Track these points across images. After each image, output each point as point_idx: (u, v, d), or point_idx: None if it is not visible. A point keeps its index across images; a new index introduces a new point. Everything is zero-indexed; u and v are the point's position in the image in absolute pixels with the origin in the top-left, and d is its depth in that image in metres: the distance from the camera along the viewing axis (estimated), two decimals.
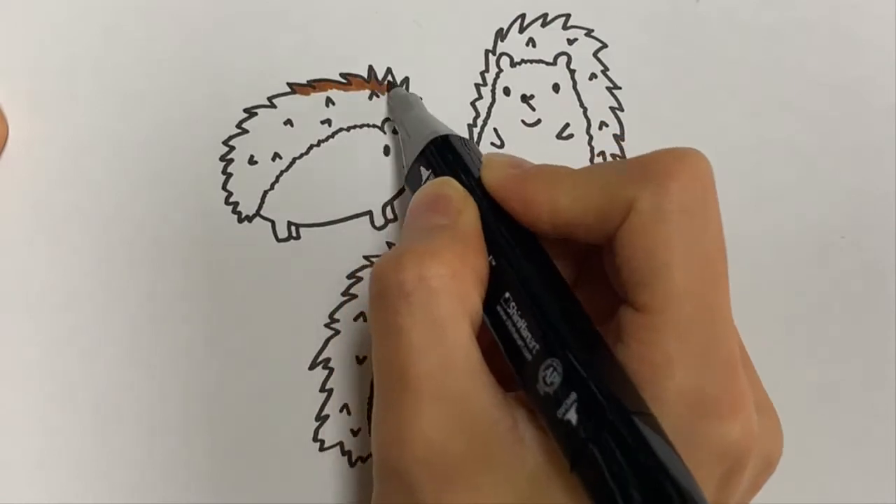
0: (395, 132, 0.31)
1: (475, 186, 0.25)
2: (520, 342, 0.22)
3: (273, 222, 0.30)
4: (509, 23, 0.32)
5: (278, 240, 0.30)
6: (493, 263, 0.24)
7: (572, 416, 0.19)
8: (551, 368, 0.20)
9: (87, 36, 0.30)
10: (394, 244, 0.31)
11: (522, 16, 0.32)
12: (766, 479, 0.24)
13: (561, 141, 0.32)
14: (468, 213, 0.24)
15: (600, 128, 0.32)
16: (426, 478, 0.21)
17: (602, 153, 0.32)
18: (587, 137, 0.32)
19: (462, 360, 0.22)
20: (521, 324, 0.22)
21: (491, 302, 0.23)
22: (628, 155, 0.32)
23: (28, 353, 0.29)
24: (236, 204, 0.30)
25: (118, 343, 0.29)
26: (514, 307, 0.22)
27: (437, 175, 0.26)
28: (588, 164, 0.32)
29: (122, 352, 0.29)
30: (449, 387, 0.21)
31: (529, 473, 0.21)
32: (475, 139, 0.31)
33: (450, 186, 0.25)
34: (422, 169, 0.27)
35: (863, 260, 0.33)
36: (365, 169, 0.31)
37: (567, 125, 0.32)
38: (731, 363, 0.22)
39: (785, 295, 0.33)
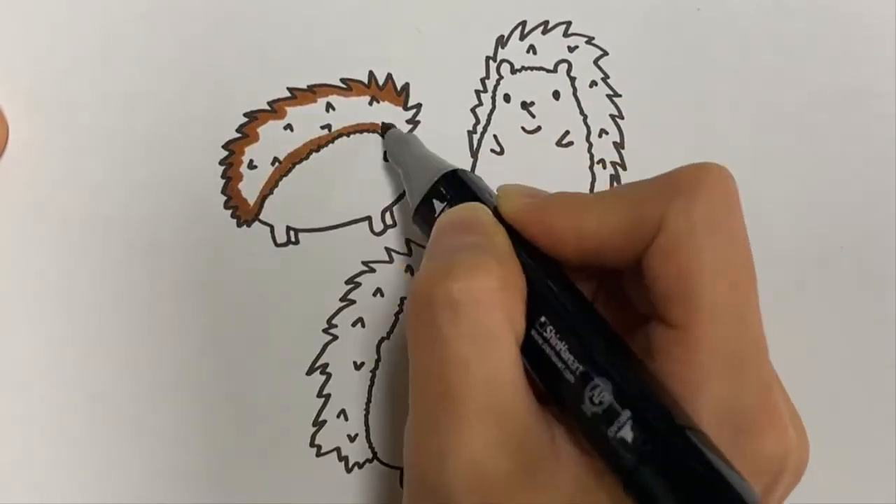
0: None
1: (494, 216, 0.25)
2: (560, 364, 0.21)
3: (272, 227, 0.30)
4: (510, 30, 0.32)
5: (277, 244, 0.30)
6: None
7: (627, 434, 0.19)
8: (598, 388, 0.20)
9: (88, 38, 0.30)
10: (393, 249, 0.31)
11: (523, 23, 0.32)
12: (793, 489, 0.24)
13: (560, 148, 0.32)
14: (501, 234, 0.24)
15: (600, 135, 0.32)
16: (468, 496, 0.20)
17: (602, 161, 0.32)
18: (587, 145, 0.32)
19: (509, 374, 0.21)
20: (561, 346, 0.21)
21: (526, 326, 0.23)
22: (627, 162, 0.32)
23: (26, 354, 0.29)
24: (235, 208, 0.30)
25: (116, 345, 0.29)
26: (551, 331, 0.22)
27: (452, 206, 0.26)
28: (587, 170, 0.32)
29: (120, 354, 0.29)
30: (495, 402, 0.21)
31: (570, 491, 0.21)
32: (475, 146, 0.31)
33: (479, 210, 0.25)
34: (435, 202, 0.27)
35: (862, 270, 0.33)
36: (364, 174, 0.31)
37: (567, 132, 0.32)
38: (765, 378, 0.22)
39: (784, 305, 0.33)
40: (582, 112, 0.32)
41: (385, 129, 0.30)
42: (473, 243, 0.23)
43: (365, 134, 0.31)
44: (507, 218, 0.24)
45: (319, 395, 0.30)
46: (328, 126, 0.31)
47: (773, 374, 0.22)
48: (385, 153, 0.30)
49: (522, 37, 0.32)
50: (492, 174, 0.31)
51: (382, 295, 0.31)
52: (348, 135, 0.31)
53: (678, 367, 0.21)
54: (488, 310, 0.21)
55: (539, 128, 0.32)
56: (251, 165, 0.30)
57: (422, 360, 0.22)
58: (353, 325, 0.30)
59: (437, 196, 0.27)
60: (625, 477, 0.19)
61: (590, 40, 0.32)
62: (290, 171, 0.30)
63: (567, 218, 0.23)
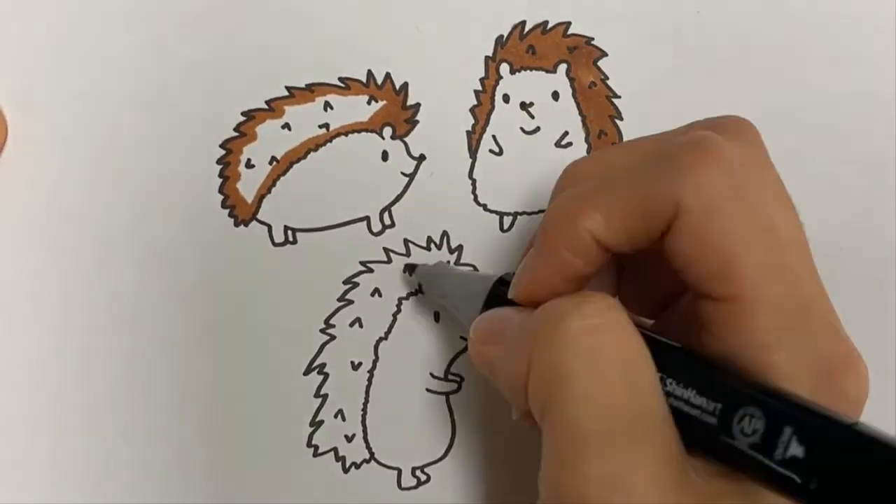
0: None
1: None
2: (694, 412, 0.21)
3: (270, 226, 0.30)
4: (510, 30, 0.32)
5: (275, 244, 0.30)
6: None
7: (797, 451, 0.19)
8: (747, 417, 0.20)
9: (87, 38, 0.30)
10: (391, 250, 0.31)
11: (523, 23, 0.32)
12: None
13: (560, 149, 0.32)
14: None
15: (599, 136, 0.32)
16: None
17: None
18: (586, 146, 0.32)
19: (663, 408, 0.21)
20: (689, 394, 0.21)
21: None
22: None
23: (24, 353, 0.29)
24: (233, 207, 0.30)
25: (113, 345, 0.29)
26: (671, 383, 0.21)
27: None
28: None
29: (117, 353, 0.29)
30: (659, 434, 0.20)
31: None
32: (474, 146, 0.31)
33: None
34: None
35: (862, 272, 0.33)
36: (362, 174, 0.31)
37: (566, 133, 0.32)
38: (829, 319, 0.22)
39: None
40: (581, 113, 0.32)
41: (411, 269, 0.30)
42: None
43: (363, 133, 0.31)
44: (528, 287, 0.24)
45: (317, 395, 0.30)
46: (326, 125, 0.31)
47: (837, 318, 0.22)
48: (419, 282, 0.30)
49: (522, 37, 0.32)
50: (490, 175, 0.31)
51: (380, 295, 0.31)
52: (347, 134, 0.31)
53: (743, 335, 0.21)
54: (629, 342, 0.21)
55: (538, 128, 0.32)
56: (249, 165, 0.30)
57: (578, 386, 0.21)
58: (351, 325, 0.30)
59: (498, 303, 0.26)
60: (807, 494, 0.19)
61: (589, 41, 0.32)
62: (287, 170, 0.30)
63: (572, 229, 0.23)
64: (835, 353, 0.21)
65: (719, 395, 0.20)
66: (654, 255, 0.23)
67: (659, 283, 0.24)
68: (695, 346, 0.22)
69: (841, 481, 0.18)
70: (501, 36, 0.32)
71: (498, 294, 0.26)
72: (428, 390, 0.30)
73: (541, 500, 0.21)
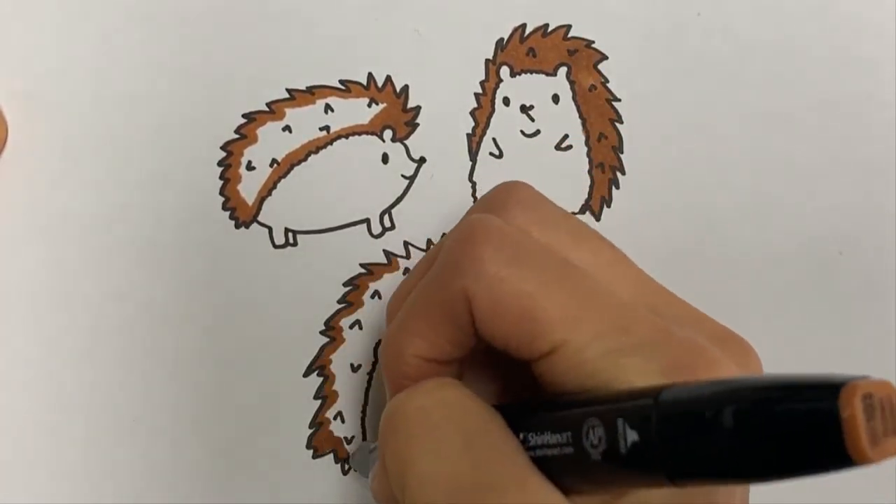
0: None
1: None
2: (556, 451, 0.21)
3: (270, 228, 0.30)
4: (510, 33, 0.32)
5: (275, 246, 0.30)
6: None
7: (633, 436, 0.19)
8: (590, 429, 0.20)
9: (87, 39, 0.30)
10: (392, 252, 0.31)
11: (523, 26, 0.32)
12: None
13: (559, 152, 0.32)
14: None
15: (599, 139, 0.32)
16: None
17: (601, 165, 0.32)
18: (586, 149, 0.32)
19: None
20: (547, 437, 0.21)
21: None
22: (626, 166, 0.32)
23: (23, 354, 0.29)
24: (234, 209, 0.30)
25: (113, 346, 0.29)
26: (531, 436, 0.21)
27: None
28: (586, 174, 0.32)
29: (117, 355, 0.29)
30: (512, 497, 0.20)
31: None
32: (474, 149, 0.31)
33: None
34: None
35: (861, 275, 0.33)
36: (363, 177, 0.31)
37: (566, 136, 0.32)
38: (656, 326, 0.21)
39: (782, 310, 0.33)
40: (581, 116, 0.32)
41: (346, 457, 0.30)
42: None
43: (364, 136, 0.31)
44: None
45: (317, 396, 0.30)
46: (327, 128, 0.31)
47: (675, 313, 0.22)
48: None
49: (522, 40, 0.32)
50: (491, 177, 0.31)
51: (380, 297, 0.31)
52: (347, 136, 0.31)
53: (582, 370, 0.21)
54: (467, 413, 0.21)
55: (538, 131, 0.32)
56: (249, 167, 0.30)
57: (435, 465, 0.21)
58: (351, 327, 0.30)
59: None
60: (661, 469, 0.18)
61: (589, 44, 0.32)
62: (288, 172, 0.30)
63: (400, 359, 0.23)
64: (676, 356, 0.21)
65: (566, 423, 0.20)
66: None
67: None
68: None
69: (676, 446, 0.18)
70: (502, 39, 0.32)
71: None
72: None
73: None
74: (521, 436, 0.21)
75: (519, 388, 0.24)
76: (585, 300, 0.21)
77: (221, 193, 0.30)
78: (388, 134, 0.31)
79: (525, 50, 0.32)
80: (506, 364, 0.24)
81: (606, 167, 0.32)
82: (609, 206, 0.32)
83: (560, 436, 0.21)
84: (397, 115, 0.31)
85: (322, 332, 0.30)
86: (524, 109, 0.32)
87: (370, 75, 0.31)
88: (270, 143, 0.30)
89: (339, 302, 0.30)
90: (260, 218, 0.30)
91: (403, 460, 0.21)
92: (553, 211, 0.25)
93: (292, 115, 0.31)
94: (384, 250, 0.31)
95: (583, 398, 0.21)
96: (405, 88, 0.31)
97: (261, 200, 0.30)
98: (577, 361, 0.21)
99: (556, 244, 0.23)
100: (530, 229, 0.23)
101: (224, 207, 0.30)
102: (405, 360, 0.23)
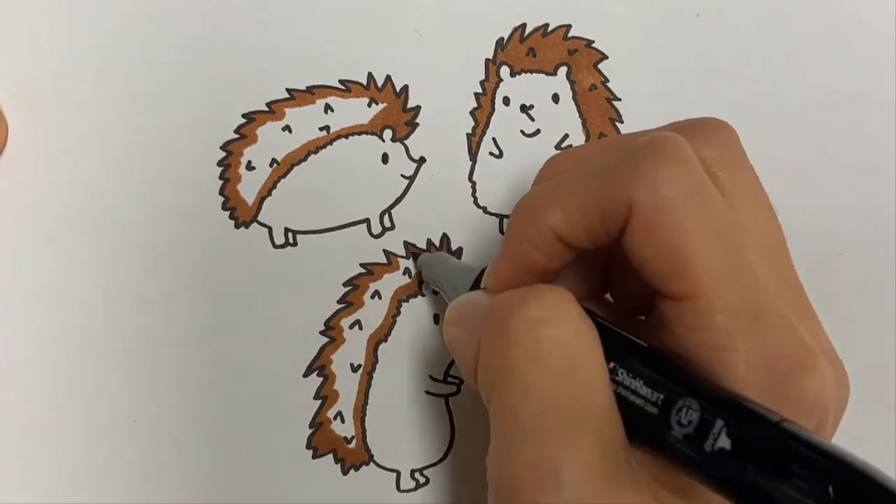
0: (434, 293, 0.31)
1: None
2: (639, 401, 0.21)
3: (270, 228, 0.30)
4: (510, 32, 0.32)
5: (275, 246, 0.30)
6: None
7: (725, 443, 0.19)
8: (685, 409, 0.20)
9: (88, 39, 0.30)
10: (391, 252, 0.31)
11: (523, 26, 0.32)
12: (839, 422, 0.24)
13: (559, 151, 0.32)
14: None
15: (599, 139, 0.32)
16: None
17: None
18: None
19: (608, 397, 0.21)
20: (636, 384, 0.21)
21: None
22: None
23: (23, 354, 0.29)
24: (234, 209, 0.30)
25: (113, 346, 0.29)
26: (622, 373, 0.22)
27: None
28: None
29: (117, 355, 0.29)
30: (597, 423, 0.21)
31: None
32: (474, 148, 0.31)
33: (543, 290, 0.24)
34: None
35: (860, 275, 0.33)
36: (363, 177, 0.31)
37: (566, 136, 0.32)
38: (785, 321, 0.21)
39: None
40: (581, 115, 0.32)
41: (414, 256, 0.31)
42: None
43: (364, 136, 0.31)
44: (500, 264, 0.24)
45: (316, 396, 0.30)
46: (327, 127, 0.31)
47: (798, 314, 0.22)
48: (420, 269, 0.31)
49: (522, 40, 0.32)
50: (491, 177, 0.31)
51: (380, 297, 0.31)
52: (347, 136, 0.31)
53: (697, 334, 0.21)
54: (574, 335, 0.21)
55: (538, 131, 0.32)
56: (249, 167, 0.30)
57: (517, 380, 0.22)
58: (351, 327, 0.30)
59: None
60: (733, 487, 0.19)
61: (589, 44, 0.32)
62: (288, 172, 0.30)
63: (534, 223, 0.23)
64: (790, 356, 0.21)
65: (662, 386, 0.21)
66: (625, 258, 0.23)
67: (642, 282, 0.24)
68: (661, 344, 0.22)
69: (762, 476, 0.18)
70: (502, 38, 0.32)
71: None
72: (427, 392, 0.30)
73: (488, 476, 0.22)
74: (612, 365, 0.22)
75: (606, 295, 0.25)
76: (735, 269, 0.21)
77: (221, 193, 0.30)
78: (388, 134, 0.31)
79: (525, 50, 0.32)
80: (603, 271, 0.25)
81: None
82: None
83: (652, 393, 0.21)
84: (397, 114, 0.31)
85: (322, 332, 0.30)
86: (524, 109, 0.32)
87: (370, 75, 0.31)
88: (270, 142, 0.30)
89: (339, 302, 0.30)
90: (260, 218, 0.30)
91: (503, 364, 0.22)
92: (746, 165, 0.24)
93: (292, 114, 0.31)
94: (384, 250, 0.31)
95: (691, 375, 0.21)
96: (405, 88, 0.31)
97: (261, 200, 0.30)
98: (696, 321, 0.21)
99: (735, 194, 0.23)
100: (718, 169, 0.23)
101: (224, 207, 0.30)
102: (538, 227, 0.23)
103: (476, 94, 0.32)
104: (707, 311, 0.21)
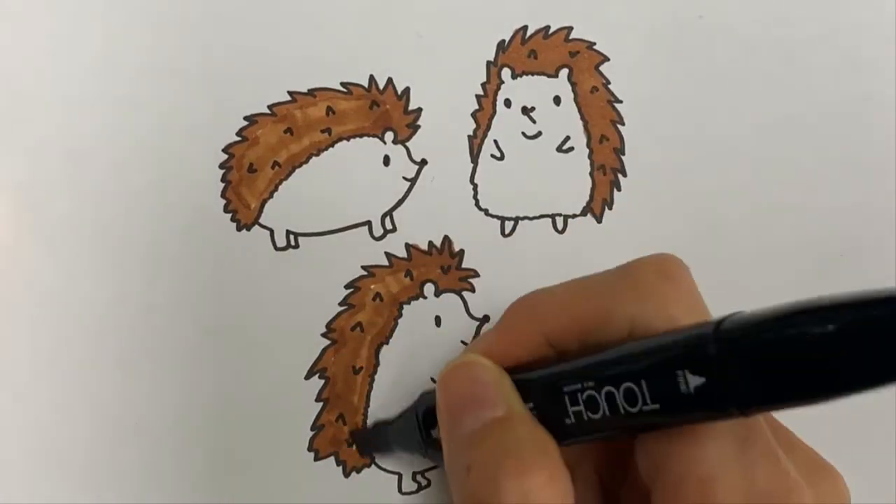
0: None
1: None
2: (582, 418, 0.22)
3: (272, 231, 0.30)
4: (511, 34, 0.32)
5: (277, 248, 0.30)
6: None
7: (696, 381, 0.19)
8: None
9: (88, 40, 0.30)
10: (393, 254, 0.31)
11: (524, 28, 0.32)
12: None
13: (561, 154, 0.32)
14: (511, 390, 0.23)
15: (601, 141, 0.32)
16: None
17: (602, 167, 0.32)
18: (587, 151, 0.32)
19: None
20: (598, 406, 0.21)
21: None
22: (628, 168, 0.32)
23: (25, 358, 0.29)
24: (235, 212, 0.30)
25: (114, 349, 0.29)
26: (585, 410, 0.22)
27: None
28: (588, 176, 0.32)
29: (119, 358, 0.29)
30: None
31: None
32: (475, 151, 0.31)
33: (478, 367, 0.24)
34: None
35: (862, 278, 0.33)
36: (364, 179, 0.31)
37: (567, 138, 0.32)
38: (769, 452, 0.22)
39: None
40: (583, 117, 0.32)
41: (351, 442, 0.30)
42: (495, 422, 0.23)
43: (365, 138, 0.31)
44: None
45: (318, 399, 0.30)
46: (328, 130, 0.31)
47: (777, 445, 0.22)
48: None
49: (524, 41, 0.32)
50: (492, 179, 0.31)
51: (382, 300, 0.31)
52: (348, 139, 0.31)
53: (685, 464, 0.21)
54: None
55: (539, 133, 0.32)
56: (251, 169, 0.30)
57: None
58: (353, 329, 0.30)
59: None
60: (740, 400, 0.19)
61: (591, 45, 0.32)
62: (290, 174, 0.30)
63: (530, 322, 0.24)
64: (770, 481, 0.21)
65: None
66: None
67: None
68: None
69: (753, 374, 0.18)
70: (503, 41, 0.32)
71: (429, 405, 0.26)
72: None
73: None
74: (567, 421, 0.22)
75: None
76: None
77: (223, 196, 0.30)
78: (389, 136, 0.31)
79: (526, 52, 0.32)
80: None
81: (608, 169, 0.32)
82: (610, 209, 0.32)
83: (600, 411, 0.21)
84: (399, 117, 0.31)
85: (323, 335, 0.30)
86: (525, 111, 0.32)
87: (372, 77, 0.31)
88: (272, 145, 0.30)
89: (340, 304, 0.30)
90: (261, 220, 0.30)
91: None
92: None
93: (294, 117, 0.31)
94: (386, 252, 0.31)
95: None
96: (406, 90, 0.31)
97: (262, 203, 0.30)
98: (691, 448, 0.21)
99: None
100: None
101: (225, 210, 0.30)
102: (533, 320, 0.24)
103: (477, 97, 0.32)
104: (695, 440, 0.21)
